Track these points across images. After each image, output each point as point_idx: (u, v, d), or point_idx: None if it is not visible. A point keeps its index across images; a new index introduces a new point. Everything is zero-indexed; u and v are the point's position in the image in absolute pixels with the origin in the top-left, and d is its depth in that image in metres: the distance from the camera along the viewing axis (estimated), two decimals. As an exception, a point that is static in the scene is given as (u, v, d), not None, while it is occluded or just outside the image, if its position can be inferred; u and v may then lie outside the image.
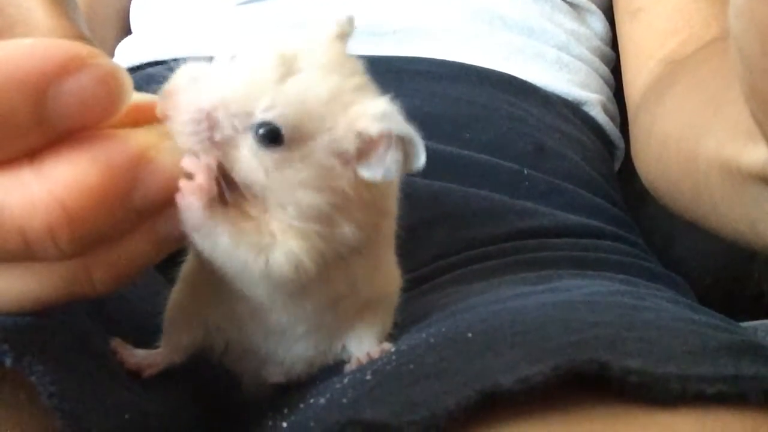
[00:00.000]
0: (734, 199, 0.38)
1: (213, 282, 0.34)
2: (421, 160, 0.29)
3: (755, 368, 0.28)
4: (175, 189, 0.26)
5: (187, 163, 0.27)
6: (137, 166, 0.25)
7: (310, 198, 0.29)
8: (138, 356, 0.34)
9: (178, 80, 0.29)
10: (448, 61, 0.57)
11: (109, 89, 0.24)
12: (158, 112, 0.28)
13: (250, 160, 0.29)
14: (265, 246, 0.29)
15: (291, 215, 0.29)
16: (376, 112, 0.29)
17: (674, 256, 0.60)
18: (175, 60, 0.61)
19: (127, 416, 0.29)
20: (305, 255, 0.30)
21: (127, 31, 0.69)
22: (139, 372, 0.34)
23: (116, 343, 0.34)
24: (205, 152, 0.28)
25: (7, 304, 0.26)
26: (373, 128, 0.29)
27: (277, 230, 0.30)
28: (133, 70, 0.62)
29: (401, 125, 0.29)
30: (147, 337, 0.35)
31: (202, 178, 0.27)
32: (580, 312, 0.33)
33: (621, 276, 0.44)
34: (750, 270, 0.62)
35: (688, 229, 0.52)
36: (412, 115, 0.52)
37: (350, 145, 0.29)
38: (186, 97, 0.28)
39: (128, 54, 0.63)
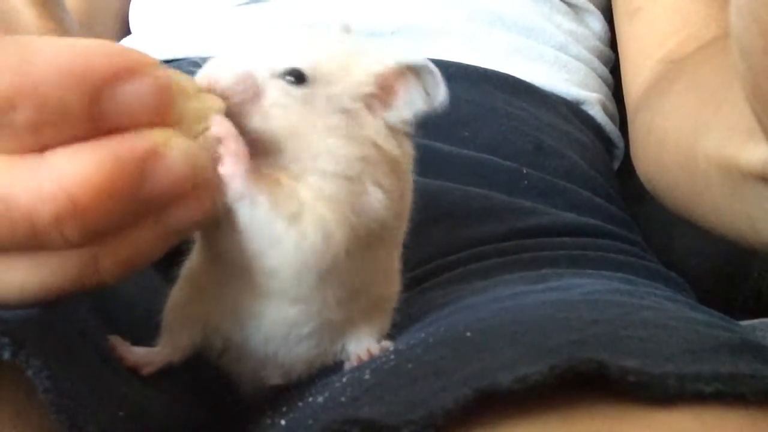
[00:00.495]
0: (734, 198, 0.38)
1: (216, 282, 0.34)
2: (441, 90, 0.31)
3: (753, 367, 0.28)
4: (185, 185, 0.27)
5: (219, 130, 0.28)
6: (147, 161, 0.25)
7: (340, 146, 0.31)
8: (136, 354, 0.34)
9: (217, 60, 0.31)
10: (447, 61, 0.57)
11: (161, 100, 0.26)
12: (202, 79, 0.30)
13: (278, 100, 0.30)
14: (297, 214, 0.30)
15: (321, 169, 0.30)
16: (390, 57, 0.32)
17: (673, 255, 0.60)
18: (175, 60, 0.61)
19: (122, 413, 0.29)
20: (336, 225, 0.30)
21: (126, 32, 0.69)
22: (137, 369, 0.34)
23: (114, 340, 0.34)
24: (244, 114, 0.30)
25: (15, 293, 0.26)
26: (388, 65, 0.31)
27: (307, 198, 0.30)
28: None
29: (414, 58, 0.31)
30: (146, 336, 0.35)
31: (237, 146, 0.28)
32: (578, 311, 0.33)
33: (620, 275, 0.44)
34: (748, 269, 0.62)
35: (686, 228, 0.52)
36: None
37: (370, 87, 0.31)
38: (229, 63, 0.30)
39: None
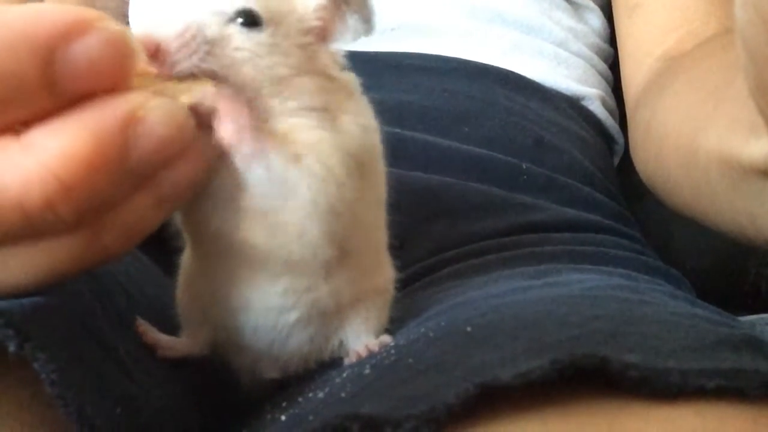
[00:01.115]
0: (734, 194, 0.38)
1: (205, 273, 0.34)
2: (374, 12, 0.33)
3: (755, 363, 0.28)
4: (171, 146, 0.26)
5: (210, 93, 0.28)
6: (128, 127, 0.24)
7: (306, 82, 0.31)
8: (160, 337, 0.35)
9: (143, 24, 0.29)
10: (447, 57, 0.57)
11: (116, 51, 0.24)
12: (145, 49, 0.28)
13: (243, 45, 0.30)
14: (299, 156, 0.30)
15: (296, 107, 0.31)
16: None
17: (673, 251, 0.60)
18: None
19: (126, 408, 0.29)
20: (333, 156, 0.31)
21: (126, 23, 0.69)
22: (154, 348, 0.34)
23: (140, 323, 0.34)
24: (204, 66, 0.29)
25: (23, 281, 0.26)
26: None
27: (302, 138, 0.31)
28: None
29: None
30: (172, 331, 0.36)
31: (234, 106, 0.28)
32: (579, 306, 0.33)
33: (620, 270, 0.44)
34: (748, 265, 0.62)
35: (686, 224, 0.52)
36: (411, 109, 0.53)
37: (314, 21, 0.32)
38: (164, 26, 0.29)
39: None
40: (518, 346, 0.29)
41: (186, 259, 0.36)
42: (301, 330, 0.34)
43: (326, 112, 0.32)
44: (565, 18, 0.62)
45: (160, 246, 0.42)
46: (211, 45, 0.29)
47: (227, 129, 0.29)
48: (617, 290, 0.38)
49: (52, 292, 0.30)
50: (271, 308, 0.33)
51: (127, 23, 0.68)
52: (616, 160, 0.65)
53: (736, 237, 0.42)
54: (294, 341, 0.35)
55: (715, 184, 0.40)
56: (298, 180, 0.30)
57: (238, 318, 0.34)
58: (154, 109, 0.25)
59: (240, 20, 0.30)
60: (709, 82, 0.47)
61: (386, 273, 0.38)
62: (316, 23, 0.32)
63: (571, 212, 0.51)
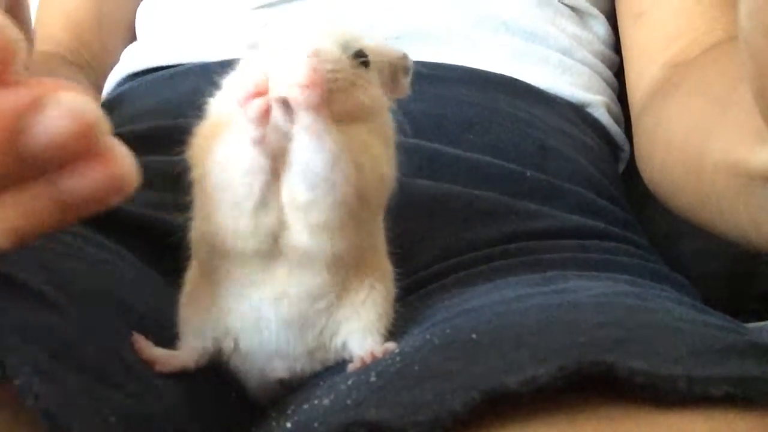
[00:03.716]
0: (741, 202, 0.38)
1: (219, 281, 0.34)
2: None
3: (762, 369, 0.28)
4: (69, 143, 0.25)
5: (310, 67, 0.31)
6: (26, 112, 0.23)
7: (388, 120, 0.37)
8: (155, 351, 0.35)
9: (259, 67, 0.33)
10: (451, 65, 0.57)
11: (77, 124, 0.24)
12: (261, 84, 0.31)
13: (363, 76, 0.34)
14: (362, 159, 0.33)
15: (376, 130, 0.35)
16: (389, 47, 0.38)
17: (679, 257, 0.60)
18: (180, 65, 0.61)
19: (121, 422, 0.29)
20: (388, 166, 0.36)
21: (134, 38, 0.70)
22: (152, 365, 0.35)
23: (136, 338, 0.35)
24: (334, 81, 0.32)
25: None
26: (398, 52, 0.38)
27: (362, 138, 0.34)
28: (138, 75, 0.62)
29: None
30: (169, 343, 0.36)
31: (310, 77, 0.31)
32: (585, 313, 0.33)
33: (626, 277, 0.44)
34: (755, 271, 0.62)
35: (692, 230, 0.52)
36: (416, 117, 0.53)
37: (387, 73, 0.37)
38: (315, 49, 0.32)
39: (133, 59, 0.63)
40: (524, 352, 0.29)
41: (192, 273, 0.37)
42: (308, 325, 0.35)
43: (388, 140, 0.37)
44: (569, 25, 0.62)
45: (158, 252, 0.42)
46: (344, 67, 0.33)
47: (304, 89, 0.31)
48: (623, 297, 0.37)
49: (35, 306, 0.30)
50: (281, 299, 0.34)
51: (133, 33, 0.69)
52: (622, 167, 0.65)
53: (742, 244, 0.42)
54: (301, 336, 0.35)
55: (720, 191, 0.40)
56: (346, 167, 0.32)
57: (250, 314, 0.35)
58: (60, 103, 0.24)
59: (359, 56, 0.34)
60: (714, 89, 0.47)
61: (383, 264, 0.38)
62: (386, 76, 0.37)
63: (576, 219, 0.51)
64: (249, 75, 0.32)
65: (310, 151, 0.31)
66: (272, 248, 0.33)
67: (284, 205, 0.32)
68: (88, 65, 0.68)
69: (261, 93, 0.31)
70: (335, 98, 0.32)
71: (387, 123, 0.37)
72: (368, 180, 0.33)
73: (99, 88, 0.66)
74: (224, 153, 0.33)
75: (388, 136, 0.36)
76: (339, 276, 0.35)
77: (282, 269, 0.34)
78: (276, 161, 0.32)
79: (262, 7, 0.60)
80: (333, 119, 0.32)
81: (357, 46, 0.34)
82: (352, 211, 0.33)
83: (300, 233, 0.33)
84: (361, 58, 0.34)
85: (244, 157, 0.32)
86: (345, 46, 0.34)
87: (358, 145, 0.33)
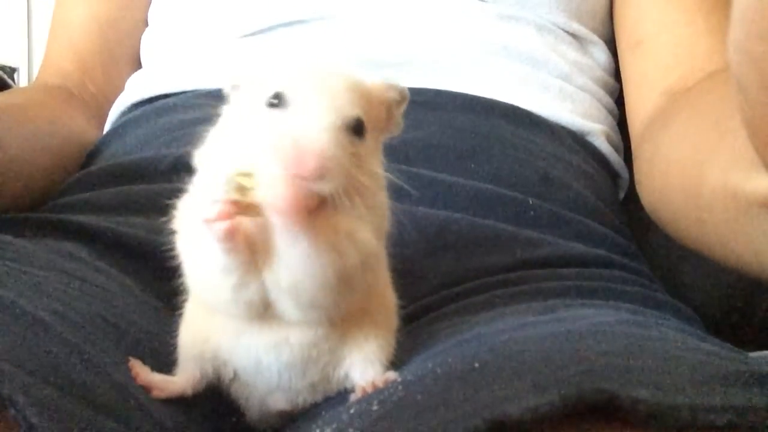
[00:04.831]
0: (739, 228, 0.38)
1: (221, 323, 0.35)
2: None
3: (765, 399, 0.28)
4: None
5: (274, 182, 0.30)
6: None
7: (380, 175, 0.35)
8: (152, 377, 0.35)
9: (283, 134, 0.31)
10: (452, 92, 0.57)
11: None
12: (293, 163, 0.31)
13: (356, 161, 0.32)
14: (343, 247, 0.32)
15: (376, 204, 0.34)
16: (384, 84, 0.36)
17: (680, 285, 0.60)
18: (182, 92, 0.62)
19: None
20: (372, 243, 0.33)
21: (140, 67, 0.70)
22: (148, 390, 0.35)
23: (133, 364, 0.35)
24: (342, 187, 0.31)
25: None
26: (391, 92, 0.36)
27: (347, 225, 0.33)
28: (141, 103, 0.63)
29: (399, 83, 0.36)
30: (166, 368, 0.37)
31: (289, 203, 0.30)
32: (587, 341, 0.33)
33: (628, 305, 0.44)
34: (757, 298, 0.61)
35: (694, 257, 0.52)
36: (417, 145, 0.53)
37: (384, 118, 0.36)
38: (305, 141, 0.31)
39: (138, 87, 0.64)
40: (526, 382, 0.28)
41: (191, 303, 0.37)
42: (311, 364, 0.35)
43: (380, 207, 0.35)
44: (570, 52, 0.63)
45: (158, 277, 0.42)
46: (350, 165, 0.32)
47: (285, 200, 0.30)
48: (625, 325, 0.37)
49: (32, 333, 0.30)
50: (282, 346, 0.34)
51: (139, 61, 0.70)
52: (621, 194, 0.65)
53: (741, 270, 0.42)
54: (303, 374, 0.35)
55: (719, 217, 0.40)
56: (328, 268, 0.32)
57: (249, 357, 0.35)
58: None
59: (354, 128, 0.33)
60: (711, 116, 0.47)
61: (387, 298, 0.38)
62: (385, 120, 0.36)
63: (577, 247, 0.51)
64: (215, 191, 0.31)
65: (288, 250, 0.31)
66: (264, 311, 0.33)
67: (268, 284, 0.32)
68: (93, 97, 0.68)
69: (228, 215, 0.31)
70: (335, 181, 0.31)
71: (379, 188, 0.35)
72: (353, 264, 0.32)
73: (103, 118, 0.66)
74: (197, 253, 0.33)
75: (379, 204, 0.35)
76: (342, 322, 0.35)
77: (280, 319, 0.34)
78: (254, 245, 0.32)
79: (259, 32, 0.61)
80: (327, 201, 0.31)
81: (352, 113, 0.32)
82: (341, 289, 0.33)
83: (289, 308, 0.33)
84: (357, 131, 0.33)
85: (216, 260, 0.32)
86: (341, 116, 0.32)
87: (342, 232, 0.32)
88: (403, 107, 0.37)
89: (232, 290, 0.33)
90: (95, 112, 0.67)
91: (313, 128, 0.31)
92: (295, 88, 0.32)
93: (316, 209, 0.31)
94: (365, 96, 0.34)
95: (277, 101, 0.32)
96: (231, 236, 0.31)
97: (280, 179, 0.30)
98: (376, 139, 0.35)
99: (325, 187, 0.31)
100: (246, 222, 0.31)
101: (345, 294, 0.33)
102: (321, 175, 0.30)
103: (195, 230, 0.32)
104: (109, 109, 0.66)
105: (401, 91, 0.37)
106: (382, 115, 0.36)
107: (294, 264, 0.31)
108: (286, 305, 0.33)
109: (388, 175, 0.35)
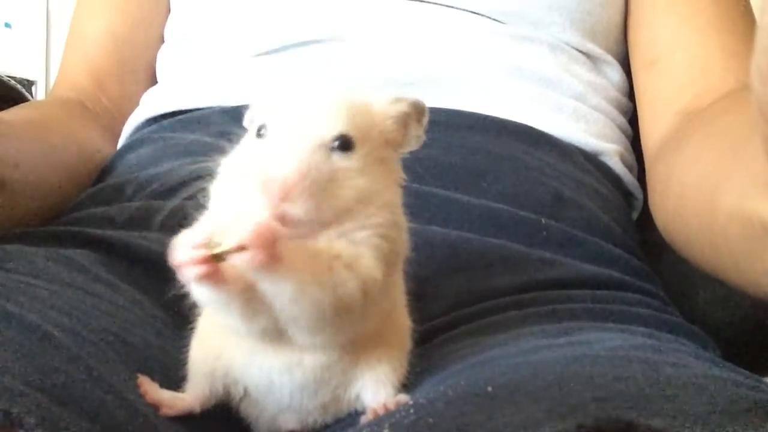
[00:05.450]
0: (753, 253, 0.38)
1: (234, 342, 0.35)
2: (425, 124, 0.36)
3: None
4: None
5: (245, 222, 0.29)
6: None
7: (390, 195, 0.33)
8: (161, 395, 0.35)
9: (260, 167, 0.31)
10: (465, 112, 0.57)
11: None
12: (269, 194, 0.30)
13: (344, 175, 0.32)
14: (339, 277, 0.31)
15: (378, 222, 0.33)
16: (392, 98, 0.35)
17: (694, 307, 0.59)
18: (196, 109, 0.62)
19: None
20: (377, 270, 0.32)
21: (155, 82, 0.71)
22: (157, 408, 0.35)
23: (142, 380, 0.35)
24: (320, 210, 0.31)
25: None
26: (402, 105, 0.35)
27: (345, 252, 0.32)
28: (156, 119, 0.63)
29: (412, 96, 0.35)
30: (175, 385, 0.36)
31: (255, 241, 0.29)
32: (603, 367, 0.32)
33: (642, 329, 0.44)
34: (772, 322, 0.60)
35: (708, 279, 0.51)
36: (429, 164, 0.53)
37: (394, 131, 0.34)
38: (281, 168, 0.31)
39: (153, 103, 0.64)
40: (541, 407, 0.28)
41: (204, 320, 0.37)
42: (323, 385, 0.35)
43: (391, 227, 0.33)
44: (583, 72, 0.63)
45: (165, 290, 0.42)
46: (327, 183, 0.31)
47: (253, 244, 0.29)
48: (640, 350, 0.37)
49: (43, 350, 0.30)
50: (295, 367, 0.34)
51: (154, 77, 0.70)
52: (635, 215, 0.65)
53: (756, 294, 0.41)
54: (315, 395, 0.35)
55: (734, 241, 0.40)
56: (321, 302, 0.31)
57: (261, 376, 0.35)
58: None
59: (336, 144, 0.32)
60: (727, 139, 0.47)
61: (401, 321, 0.38)
62: (394, 134, 0.34)
63: (590, 268, 0.50)
64: (190, 238, 0.31)
65: (272, 289, 0.31)
66: (280, 336, 0.33)
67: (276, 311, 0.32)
68: (107, 111, 0.69)
69: (202, 261, 0.30)
70: (306, 201, 0.31)
71: (386, 206, 0.33)
72: (350, 294, 0.32)
73: (117, 132, 0.67)
74: (195, 289, 0.33)
75: (386, 224, 0.33)
76: (355, 345, 0.35)
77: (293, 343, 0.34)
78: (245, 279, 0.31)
79: (274, 52, 0.61)
80: (320, 221, 0.31)
81: (333, 132, 0.32)
82: (341, 319, 0.32)
83: (299, 333, 0.33)
84: (342, 146, 0.32)
85: (210, 295, 0.32)
86: (318, 136, 0.32)
87: (339, 261, 0.32)
88: (424, 120, 0.36)
89: (240, 320, 0.32)
90: (109, 126, 0.68)
91: (280, 153, 0.31)
92: (273, 116, 0.32)
93: (306, 237, 0.31)
94: (360, 112, 0.34)
95: (263, 132, 0.32)
96: (206, 278, 0.30)
97: (250, 215, 0.30)
98: (380, 154, 0.34)
99: (298, 210, 0.30)
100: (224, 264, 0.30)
101: (348, 323, 0.33)
102: (287, 196, 0.30)
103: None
104: (123, 124, 0.66)
105: (413, 104, 0.35)
106: (390, 129, 0.35)
107: (282, 301, 0.31)
108: (293, 333, 0.33)
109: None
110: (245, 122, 0.37)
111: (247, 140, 0.34)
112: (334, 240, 0.32)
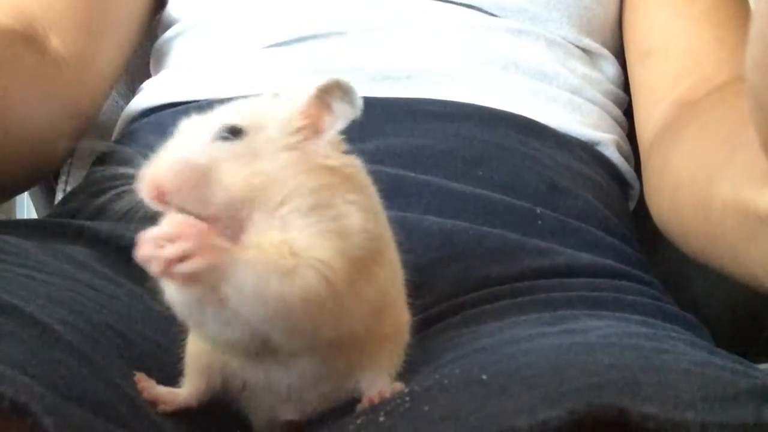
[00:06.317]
0: (749, 243, 0.38)
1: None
2: (357, 94, 0.34)
3: None
4: None
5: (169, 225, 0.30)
6: None
7: (302, 181, 0.32)
8: (159, 391, 0.35)
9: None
10: (461, 103, 0.57)
11: None
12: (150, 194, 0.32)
13: (225, 158, 0.31)
14: (291, 267, 0.31)
15: (296, 208, 0.32)
16: (301, 85, 0.34)
17: (690, 296, 0.60)
18: (196, 101, 0.61)
19: None
20: (332, 261, 0.31)
21: (144, 75, 0.70)
22: (155, 404, 0.35)
23: (139, 376, 0.35)
24: (202, 199, 0.31)
25: None
26: (304, 97, 0.33)
27: (297, 247, 0.31)
28: (157, 108, 0.62)
29: (321, 78, 0.33)
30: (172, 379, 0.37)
31: (191, 229, 0.30)
32: (596, 354, 0.32)
33: (637, 317, 0.44)
34: (765, 310, 0.61)
35: (703, 269, 0.52)
36: (425, 154, 0.53)
37: (299, 122, 0.33)
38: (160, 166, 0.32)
39: (154, 93, 0.64)
40: (535, 394, 0.28)
41: None
42: (321, 378, 0.35)
43: (328, 208, 0.32)
44: (579, 66, 0.63)
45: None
46: (204, 174, 0.31)
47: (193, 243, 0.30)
48: (634, 338, 0.37)
49: (45, 344, 0.30)
50: (292, 363, 0.34)
51: (126, 34, 0.66)
52: (632, 205, 0.65)
53: (752, 285, 0.41)
54: (314, 387, 0.35)
55: (729, 232, 0.40)
56: (285, 293, 0.31)
57: (257, 373, 0.35)
58: None
59: (223, 135, 0.32)
60: (722, 130, 0.47)
61: (401, 317, 0.38)
62: (302, 122, 0.34)
63: (586, 257, 0.50)
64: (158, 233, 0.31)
65: (233, 290, 0.31)
66: (263, 347, 0.33)
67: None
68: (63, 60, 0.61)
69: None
70: (191, 197, 0.31)
71: (307, 187, 0.32)
72: (312, 280, 0.31)
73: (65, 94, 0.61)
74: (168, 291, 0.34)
75: (341, 213, 0.32)
76: (352, 339, 0.34)
77: None
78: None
79: (274, 46, 0.61)
80: (216, 209, 0.31)
81: (224, 122, 0.32)
82: (315, 311, 0.31)
83: (278, 338, 0.32)
84: (226, 137, 0.32)
85: (183, 296, 0.32)
86: (206, 134, 0.32)
87: (282, 247, 0.31)
88: (349, 97, 0.34)
89: (217, 326, 0.32)
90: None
91: (161, 154, 0.32)
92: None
93: (234, 233, 0.31)
94: (256, 106, 0.34)
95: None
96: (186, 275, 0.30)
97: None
98: (284, 143, 0.33)
99: (177, 203, 0.31)
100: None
101: (325, 319, 0.32)
102: (163, 195, 0.31)
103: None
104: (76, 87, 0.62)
105: (324, 86, 0.34)
106: (300, 117, 0.34)
107: (245, 301, 0.31)
108: (272, 338, 0.32)
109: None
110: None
111: None
112: (268, 231, 0.31)
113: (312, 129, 0.34)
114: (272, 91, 0.36)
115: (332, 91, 0.34)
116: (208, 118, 0.34)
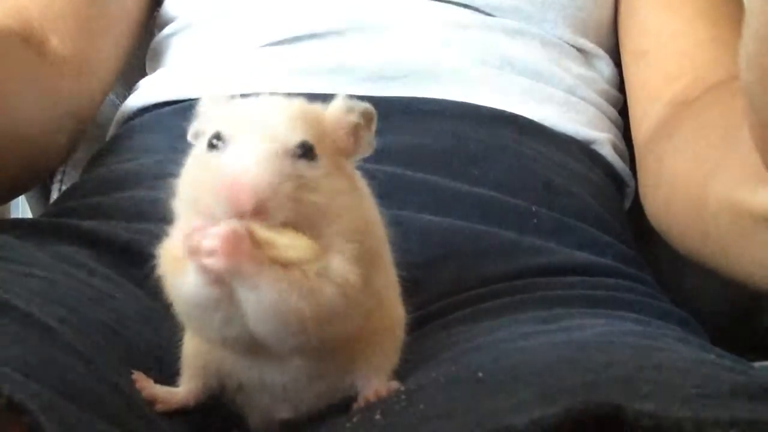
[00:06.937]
0: (744, 242, 0.38)
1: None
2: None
3: None
4: None
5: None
6: None
7: (347, 202, 0.33)
8: (156, 390, 0.36)
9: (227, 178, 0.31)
10: (457, 102, 0.57)
11: None
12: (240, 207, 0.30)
13: (314, 183, 0.32)
14: (316, 287, 0.31)
15: (344, 230, 0.33)
16: (343, 107, 0.35)
17: (684, 294, 0.60)
18: (194, 99, 0.61)
19: None
20: (357, 282, 0.32)
21: (139, 73, 0.69)
22: (152, 403, 0.35)
23: (137, 375, 0.35)
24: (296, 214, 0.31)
25: None
26: (353, 114, 0.35)
27: (330, 266, 0.32)
28: (153, 107, 0.62)
29: (362, 102, 0.35)
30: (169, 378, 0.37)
31: (232, 233, 0.29)
32: (592, 352, 0.33)
33: (632, 315, 0.44)
34: (761, 308, 0.61)
35: (698, 268, 0.52)
36: (421, 152, 0.53)
37: (348, 140, 0.35)
38: (248, 177, 0.30)
39: (150, 91, 0.63)
40: (531, 392, 0.28)
41: None
42: (315, 379, 0.35)
43: (364, 235, 0.33)
44: (574, 66, 0.63)
45: (160, 282, 0.42)
46: (297, 192, 0.31)
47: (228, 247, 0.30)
48: (630, 336, 0.37)
49: (44, 343, 0.30)
50: (287, 364, 0.34)
51: (121, 32, 0.66)
52: (627, 203, 0.65)
53: (746, 284, 0.42)
54: (309, 387, 0.35)
55: (724, 231, 0.40)
56: (302, 310, 0.31)
57: (252, 373, 0.35)
58: None
59: (299, 152, 0.32)
60: (717, 129, 0.47)
61: (396, 315, 0.38)
62: (346, 143, 0.34)
63: (581, 256, 0.51)
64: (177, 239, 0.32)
65: (247, 297, 0.31)
66: (258, 346, 0.33)
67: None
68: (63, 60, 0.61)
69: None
70: (281, 211, 0.31)
71: (354, 209, 0.34)
72: (329, 299, 0.32)
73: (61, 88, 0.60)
74: (179, 290, 0.33)
75: (357, 228, 0.33)
76: (346, 341, 0.35)
77: None
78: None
79: (271, 45, 0.61)
80: (293, 225, 0.31)
81: (295, 139, 0.32)
82: (323, 326, 0.32)
83: (274, 342, 0.33)
84: (305, 153, 0.32)
85: (195, 295, 0.32)
86: (281, 143, 0.31)
87: (312, 268, 0.31)
88: (373, 126, 0.35)
89: (217, 329, 0.32)
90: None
91: (246, 161, 0.30)
92: (231, 126, 0.32)
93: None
94: (315, 121, 0.33)
95: (216, 142, 0.32)
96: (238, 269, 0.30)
97: (218, 225, 0.30)
98: (336, 162, 0.34)
99: (272, 218, 0.30)
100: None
101: (329, 330, 0.32)
102: (261, 206, 0.30)
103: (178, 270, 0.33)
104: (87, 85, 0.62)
105: (363, 113, 0.35)
106: (342, 139, 0.34)
107: (261, 310, 0.31)
108: (270, 340, 0.32)
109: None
110: (189, 137, 0.37)
111: (198, 154, 0.34)
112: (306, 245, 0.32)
113: (347, 152, 0.35)
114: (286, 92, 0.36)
115: (367, 119, 0.35)
116: (265, 123, 0.32)
